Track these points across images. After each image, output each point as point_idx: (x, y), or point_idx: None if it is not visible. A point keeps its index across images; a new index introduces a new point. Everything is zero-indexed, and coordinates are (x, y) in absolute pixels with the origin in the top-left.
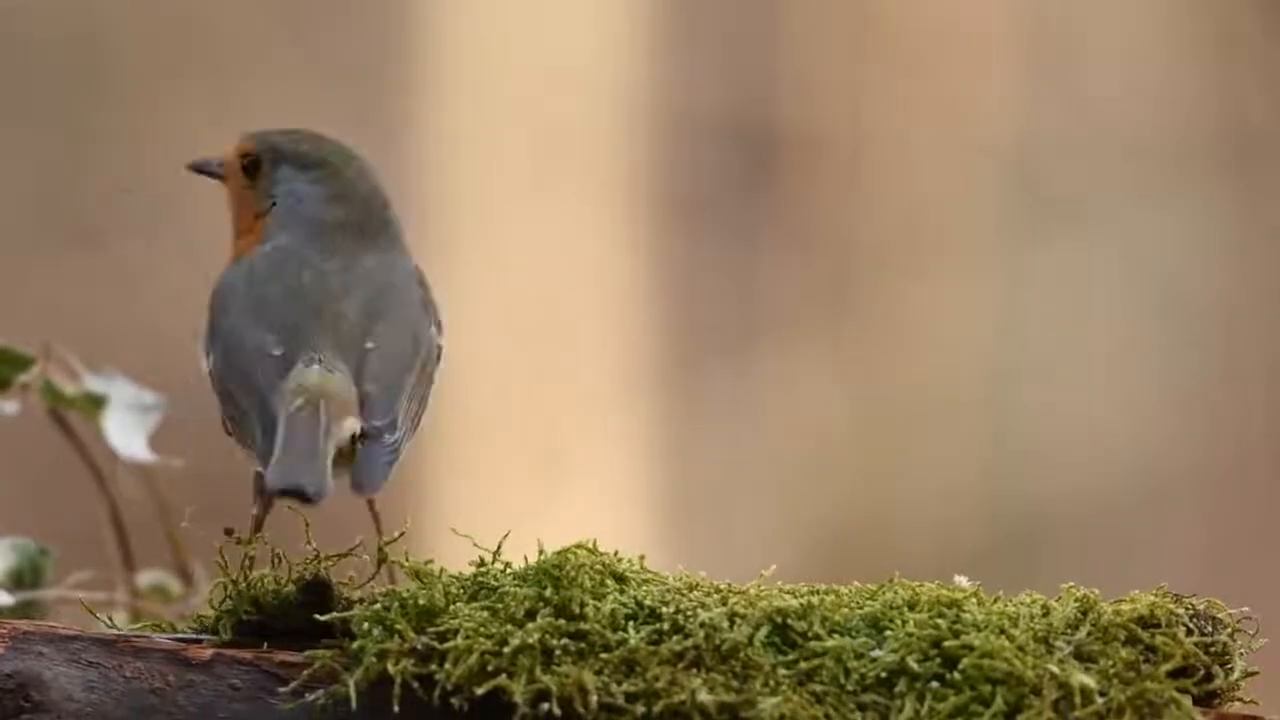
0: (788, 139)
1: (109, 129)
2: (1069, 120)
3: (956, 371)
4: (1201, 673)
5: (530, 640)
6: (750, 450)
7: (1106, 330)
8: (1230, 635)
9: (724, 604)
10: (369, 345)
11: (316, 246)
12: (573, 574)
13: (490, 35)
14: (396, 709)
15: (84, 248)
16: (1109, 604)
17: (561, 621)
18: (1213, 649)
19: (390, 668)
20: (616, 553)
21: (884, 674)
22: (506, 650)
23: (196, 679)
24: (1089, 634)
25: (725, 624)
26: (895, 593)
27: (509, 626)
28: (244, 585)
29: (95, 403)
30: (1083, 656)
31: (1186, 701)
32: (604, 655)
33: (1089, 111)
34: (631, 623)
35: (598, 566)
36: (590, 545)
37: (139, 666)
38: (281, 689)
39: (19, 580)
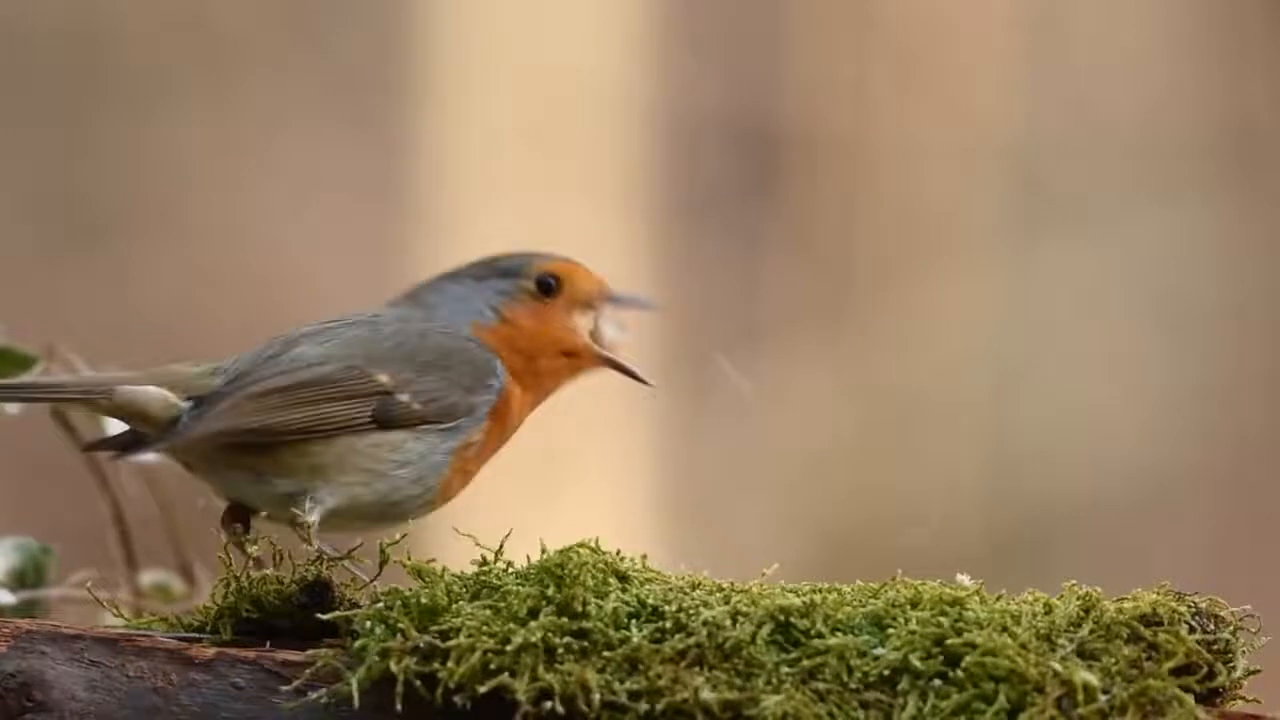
0: (790, 141)
1: (109, 129)
2: (1070, 121)
3: (958, 371)
4: (1204, 670)
5: (533, 639)
6: (753, 449)
7: (1107, 330)
8: (1233, 633)
9: (726, 602)
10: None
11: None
12: (575, 573)
13: (492, 37)
14: (399, 707)
15: (84, 248)
16: (1111, 602)
17: (564, 620)
18: (1215, 646)
19: (393, 666)
20: (619, 551)
21: (887, 672)
22: (509, 649)
23: (199, 678)
24: (1091, 632)
25: (728, 622)
26: (898, 591)
27: (511, 625)
28: (246, 584)
29: None
30: (1085, 654)
31: (1189, 699)
32: (607, 653)
33: (1089, 112)
34: (634, 621)
35: (600, 565)
36: (593, 544)
37: (142, 666)
38: (284, 688)
39: (22, 579)
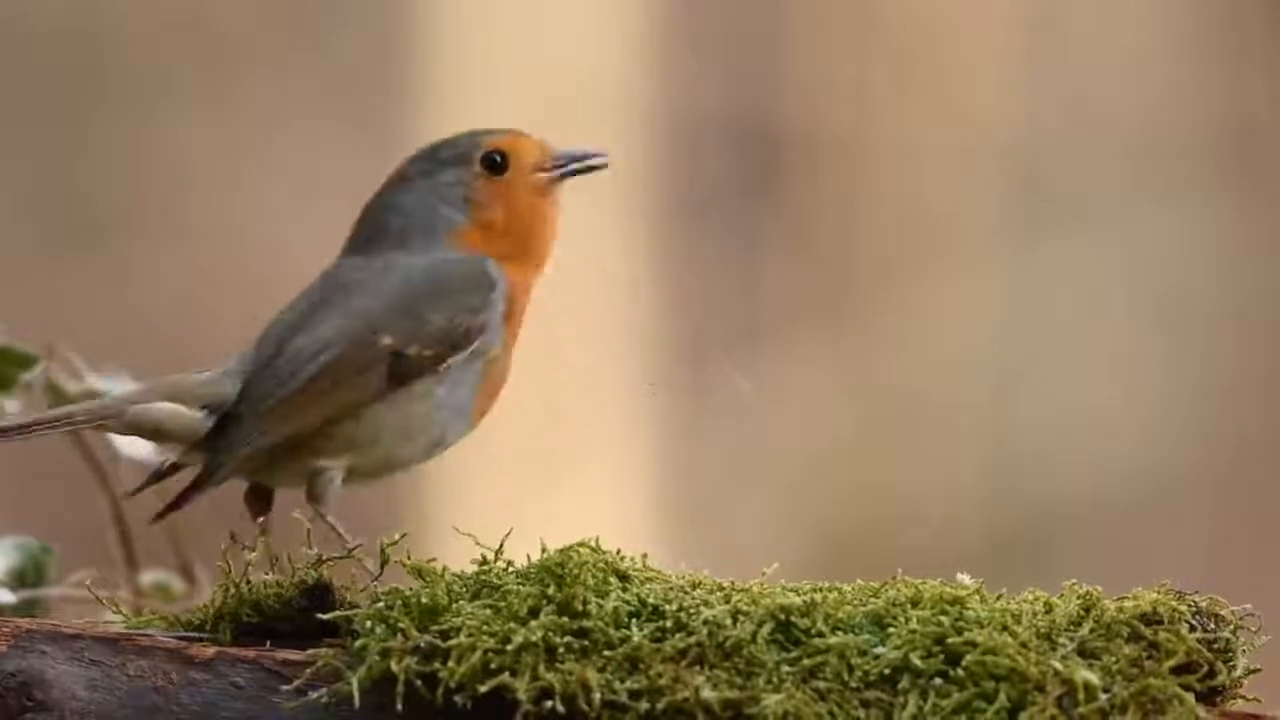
0: (790, 141)
1: (109, 129)
2: (1070, 121)
3: (958, 371)
4: (1204, 669)
5: (533, 638)
6: (753, 449)
7: (1107, 330)
8: (1233, 632)
9: (727, 601)
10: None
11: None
12: (575, 572)
13: (492, 37)
14: (400, 707)
15: (84, 248)
16: (1111, 601)
17: (564, 619)
18: (1215, 645)
19: (393, 666)
20: (619, 551)
21: (887, 671)
22: (510, 648)
23: (199, 677)
24: (1092, 631)
25: (728, 621)
26: (898, 590)
27: (512, 624)
28: (245, 589)
29: None
30: (1086, 653)
31: (1189, 698)
32: (607, 653)
33: (1089, 112)
34: (634, 620)
35: (600, 564)
36: (593, 543)
37: (142, 665)
38: (284, 687)
39: (22, 579)
